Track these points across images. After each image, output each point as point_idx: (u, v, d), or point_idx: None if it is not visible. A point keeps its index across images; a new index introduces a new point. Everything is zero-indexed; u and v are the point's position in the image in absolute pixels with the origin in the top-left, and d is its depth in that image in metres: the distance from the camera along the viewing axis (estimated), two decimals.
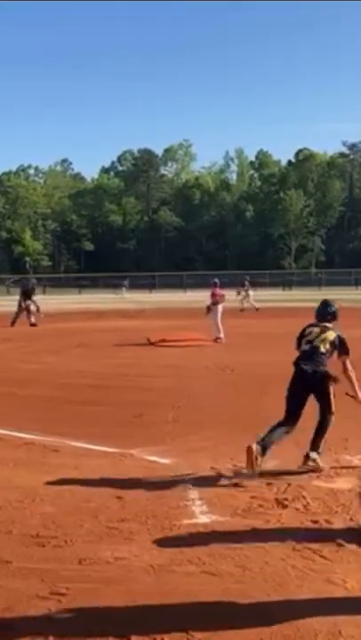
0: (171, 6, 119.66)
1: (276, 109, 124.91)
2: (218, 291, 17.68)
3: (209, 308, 17.47)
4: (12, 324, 21.86)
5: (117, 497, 5.21)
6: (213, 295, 17.54)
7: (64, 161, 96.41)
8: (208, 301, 17.79)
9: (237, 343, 15.84)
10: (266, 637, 3.21)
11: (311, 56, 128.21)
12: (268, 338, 17.01)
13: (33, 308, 22.35)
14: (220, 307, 17.23)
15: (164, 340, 16.32)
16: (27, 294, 22.63)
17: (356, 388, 6.27)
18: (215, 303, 17.25)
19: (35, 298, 22.78)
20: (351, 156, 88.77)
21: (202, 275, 56.26)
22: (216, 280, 18.57)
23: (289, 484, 5.42)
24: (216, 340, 16.61)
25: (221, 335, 16.71)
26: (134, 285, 55.73)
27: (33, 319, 22.13)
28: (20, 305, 22.55)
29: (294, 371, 6.13)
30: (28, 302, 22.41)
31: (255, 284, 52.23)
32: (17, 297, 23.65)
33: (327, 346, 6.19)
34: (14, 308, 22.83)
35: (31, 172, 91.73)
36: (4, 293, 48.06)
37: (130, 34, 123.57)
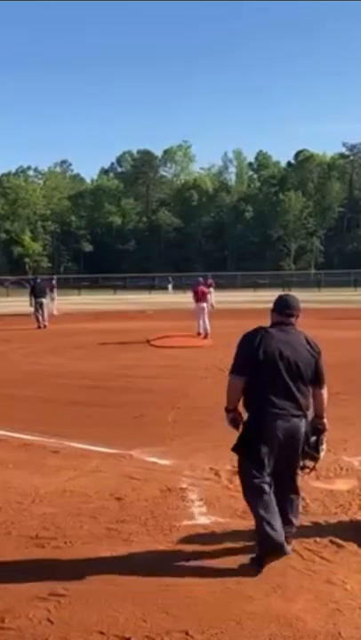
0: (170, 8, 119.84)
1: (275, 110, 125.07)
2: (203, 288, 18.64)
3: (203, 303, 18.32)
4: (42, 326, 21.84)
5: (117, 498, 5.21)
6: (196, 292, 18.50)
7: (63, 162, 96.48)
8: (193, 300, 18.66)
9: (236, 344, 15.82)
10: (265, 638, 3.21)
11: (311, 57, 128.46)
12: None
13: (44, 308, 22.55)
14: (205, 304, 18.16)
15: (163, 341, 16.36)
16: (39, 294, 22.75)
17: None
18: (199, 300, 18.20)
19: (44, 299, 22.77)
20: (351, 158, 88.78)
21: (201, 276, 56.25)
22: (200, 279, 19.69)
23: None
24: (199, 335, 17.44)
25: (201, 330, 17.62)
26: (135, 286, 55.81)
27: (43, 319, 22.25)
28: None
29: None
30: (42, 301, 22.48)
31: (257, 285, 52.44)
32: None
33: None
34: (12, 309, 22.92)
35: (30, 173, 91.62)
36: (4, 295, 48.07)
37: (129, 36, 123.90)
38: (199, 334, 17.60)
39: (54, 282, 30.47)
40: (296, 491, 4.18)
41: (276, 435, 3.95)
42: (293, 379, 4.05)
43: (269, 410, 3.98)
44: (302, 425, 4.06)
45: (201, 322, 17.78)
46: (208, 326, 17.75)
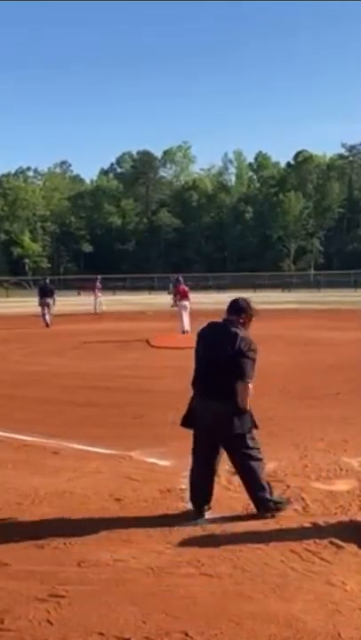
0: (170, 8, 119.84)
1: (275, 111, 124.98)
2: (184, 287, 19.38)
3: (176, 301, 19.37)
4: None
5: (116, 499, 5.21)
6: (177, 292, 19.40)
7: (63, 163, 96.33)
8: (173, 299, 19.76)
9: None
10: (265, 639, 3.20)
11: (310, 57, 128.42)
12: (265, 339, 17.00)
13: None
14: (186, 302, 18.89)
15: (163, 342, 16.37)
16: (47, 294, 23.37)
17: None
18: (182, 299, 19.01)
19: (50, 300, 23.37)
20: (350, 158, 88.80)
21: (201, 276, 56.23)
22: (180, 278, 20.65)
23: (288, 486, 5.42)
24: (184, 333, 18.00)
25: (187, 328, 18.23)
26: (134, 287, 55.79)
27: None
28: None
29: None
30: (48, 301, 23.09)
31: (255, 286, 52.46)
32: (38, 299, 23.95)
33: None
34: (12, 310, 23.15)
35: (30, 173, 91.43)
36: (4, 295, 48.10)
37: (129, 36, 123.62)
38: (185, 332, 18.08)
39: (98, 283, 30.55)
40: (211, 471, 4.82)
41: (201, 414, 4.76)
42: (215, 369, 4.69)
43: (197, 393, 4.85)
44: (224, 409, 4.63)
45: (184, 320, 18.50)
46: (187, 325, 18.41)
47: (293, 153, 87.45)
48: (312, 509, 4.93)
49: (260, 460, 4.79)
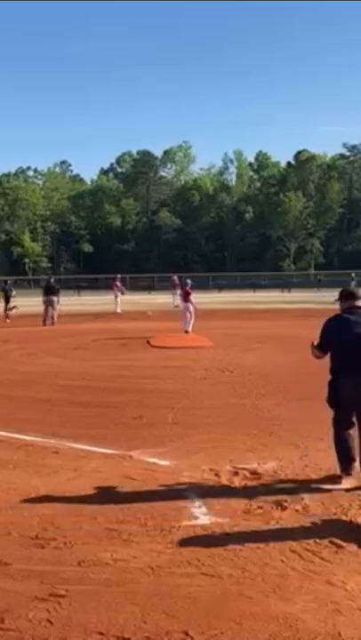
0: (169, 8, 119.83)
1: (275, 111, 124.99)
2: (187, 289, 20.38)
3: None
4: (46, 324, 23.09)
5: (117, 499, 5.21)
6: (184, 293, 20.60)
7: (63, 162, 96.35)
8: (179, 300, 20.66)
9: (236, 345, 15.84)
10: (265, 639, 3.21)
11: (311, 57, 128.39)
12: (266, 339, 17.01)
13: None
14: (189, 304, 19.74)
15: (163, 342, 16.37)
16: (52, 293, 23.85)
17: None
18: (188, 300, 19.90)
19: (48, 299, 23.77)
20: (351, 158, 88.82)
21: (201, 277, 56.18)
22: (189, 280, 21.79)
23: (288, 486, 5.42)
24: (186, 332, 18.99)
25: (188, 329, 19.20)
26: (134, 287, 55.76)
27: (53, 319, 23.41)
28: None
29: None
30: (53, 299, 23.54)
31: (255, 286, 52.44)
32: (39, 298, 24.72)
33: None
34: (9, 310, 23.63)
35: (30, 173, 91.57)
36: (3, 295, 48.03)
37: (128, 36, 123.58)
38: (187, 332, 18.96)
39: (118, 282, 30.49)
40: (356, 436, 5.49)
41: (350, 392, 5.38)
42: (358, 349, 5.40)
43: (344, 373, 5.45)
44: None
45: (186, 320, 19.39)
46: (187, 325, 19.24)
47: (294, 153, 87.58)
48: (312, 509, 4.93)
49: None
